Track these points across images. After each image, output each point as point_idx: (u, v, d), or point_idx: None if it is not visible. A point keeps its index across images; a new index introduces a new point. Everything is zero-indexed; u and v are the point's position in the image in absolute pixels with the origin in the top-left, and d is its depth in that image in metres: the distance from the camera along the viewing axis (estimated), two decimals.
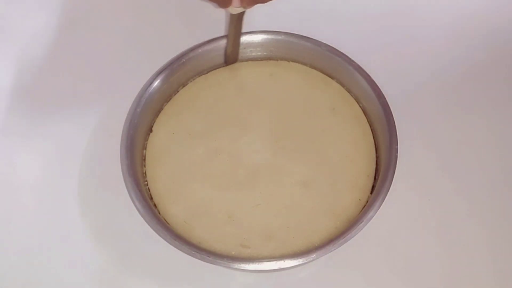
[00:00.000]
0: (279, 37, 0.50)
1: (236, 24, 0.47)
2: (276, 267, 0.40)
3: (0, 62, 0.55)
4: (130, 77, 0.51)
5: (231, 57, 0.50)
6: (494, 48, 0.55)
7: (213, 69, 0.52)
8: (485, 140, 0.50)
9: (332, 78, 0.51)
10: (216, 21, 0.56)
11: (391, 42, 0.55)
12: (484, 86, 0.53)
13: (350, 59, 0.49)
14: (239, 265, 0.41)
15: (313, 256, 0.41)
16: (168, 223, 0.44)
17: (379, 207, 0.42)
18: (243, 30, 0.49)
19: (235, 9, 0.44)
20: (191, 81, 0.51)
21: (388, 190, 0.43)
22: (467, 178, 0.48)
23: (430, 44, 0.55)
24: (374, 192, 0.44)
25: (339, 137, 0.48)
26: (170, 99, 0.50)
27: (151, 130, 0.49)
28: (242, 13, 0.46)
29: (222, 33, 0.51)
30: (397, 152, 0.44)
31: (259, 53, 0.52)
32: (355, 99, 0.50)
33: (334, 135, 0.48)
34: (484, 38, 0.56)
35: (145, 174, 0.47)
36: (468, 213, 0.47)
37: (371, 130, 0.48)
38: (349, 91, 0.50)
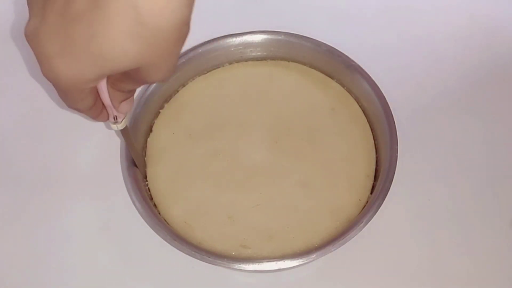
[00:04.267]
0: (279, 37, 0.50)
1: (124, 136, 0.43)
2: (276, 268, 0.40)
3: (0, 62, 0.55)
4: None
5: (138, 163, 0.46)
6: (495, 49, 0.55)
7: (213, 69, 0.52)
8: (485, 141, 0.50)
9: (332, 78, 0.51)
10: (216, 21, 0.56)
11: (391, 42, 0.55)
12: (484, 86, 0.53)
13: (350, 59, 0.49)
14: (239, 265, 0.41)
15: (313, 256, 0.41)
16: (168, 224, 0.44)
17: (379, 207, 0.42)
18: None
19: (113, 126, 0.40)
20: (191, 81, 0.51)
21: (388, 191, 0.43)
22: (467, 179, 0.48)
23: (430, 44, 0.55)
24: (374, 192, 0.44)
25: (339, 137, 0.48)
26: (170, 99, 0.50)
27: (151, 130, 0.49)
28: (125, 128, 0.41)
29: (222, 33, 0.51)
30: (397, 152, 0.44)
31: (259, 53, 0.51)
32: (355, 99, 0.50)
33: (334, 135, 0.48)
34: (484, 39, 0.56)
35: (145, 174, 0.47)
36: (468, 213, 0.47)
37: (371, 130, 0.48)
38: (349, 91, 0.50)
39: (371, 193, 0.45)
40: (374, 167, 0.47)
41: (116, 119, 0.39)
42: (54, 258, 0.46)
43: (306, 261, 0.41)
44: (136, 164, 0.45)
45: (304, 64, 0.51)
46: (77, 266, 0.46)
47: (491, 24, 0.56)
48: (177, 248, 0.41)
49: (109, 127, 0.50)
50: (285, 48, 0.51)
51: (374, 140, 0.48)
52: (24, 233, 0.47)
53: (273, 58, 0.52)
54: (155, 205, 0.46)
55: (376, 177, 0.46)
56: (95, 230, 0.47)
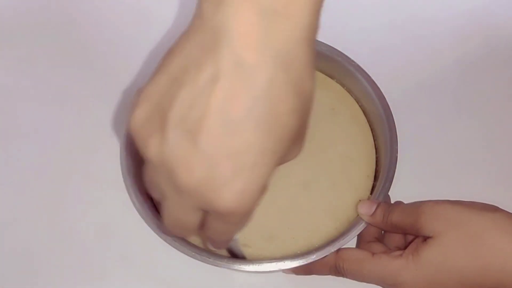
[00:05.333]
0: None
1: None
2: (276, 268, 0.40)
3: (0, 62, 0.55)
4: (130, 77, 0.51)
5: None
6: (495, 48, 0.55)
7: None
8: (485, 140, 0.50)
9: (332, 78, 0.50)
10: None
11: (391, 42, 0.55)
12: (484, 86, 0.53)
13: (350, 59, 0.49)
14: (240, 266, 0.41)
15: (313, 257, 0.41)
16: None
17: None
18: None
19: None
20: None
21: (388, 191, 0.43)
22: (467, 179, 0.48)
23: (430, 44, 0.55)
24: (374, 192, 0.44)
25: (339, 137, 0.48)
26: None
27: None
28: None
29: None
30: (397, 152, 0.44)
31: None
32: (355, 99, 0.50)
33: (334, 135, 0.48)
34: (484, 38, 0.56)
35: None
36: None
37: (371, 130, 0.48)
38: (349, 91, 0.50)
39: (371, 193, 0.45)
40: (374, 167, 0.47)
41: None
42: (54, 258, 0.46)
43: (306, 262, 0.41)
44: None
45: None
46: (77, 266, 0.46)
47: (492, 24, 0.56)
48: (178, 249, 0.41)
49: (110, 127, 0.50)
50: None
51: (374, 140, 0.48)
52: (23, 233, 0.47)
53: None
54: (155, 205, 0.45)
55: (376, 177, 0.46)
56: (95, 230, 0.47)
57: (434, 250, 0.37)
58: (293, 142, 0.28)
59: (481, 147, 0.50)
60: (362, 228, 0.42)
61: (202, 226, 0.31)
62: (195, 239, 0.43)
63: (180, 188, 0.27)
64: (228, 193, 0.27)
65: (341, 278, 0.43)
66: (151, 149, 0.28)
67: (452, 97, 0.52)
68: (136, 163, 0.46)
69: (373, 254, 0.40)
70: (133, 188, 0.44)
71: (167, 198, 0.30)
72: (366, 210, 0.42)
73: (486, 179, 0.48)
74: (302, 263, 0.41)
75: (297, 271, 0.42)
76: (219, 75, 0.26)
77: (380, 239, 0.43)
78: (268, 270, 0.41)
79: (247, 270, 0.41)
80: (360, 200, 0.44)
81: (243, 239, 0.43)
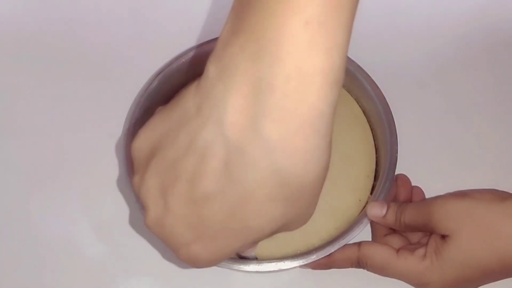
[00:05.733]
0: None
1: None
2: (276, 268, 0.40)
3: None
4: (130, 77, 0.51)
5: None
6: (495, 48, 0.55)
7: None
8: (485, 140, 0.50)
9: None
10: (216, 21, 0.56)
11: (391, 42, 0.55)
12: (484, 86, 0.53)
13: (350, 59, 0.49)
14: (239, 266, 0.41)
15: (313, 257, 0.41)
16: None
17: None
18: None
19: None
20: (191, 81, 0.51)
21: (388, 191, 0.43)
22: (467, 178, 0.48)
23: (431, 44, 0.55)
24: (374, 192, 0.44)
25: (339, 137, 0.48)
26: (170, 99, 0.50)
27: None
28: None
29: None
30: (397, 152, 0.44)
31: None
32: (355, 99, 0.50)
33: (334, 135, 0.47)
34: (485, 38, 0.56)
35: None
36: None
37: (371, 130, 0.48)
38: (349, 91, 0.50)
39: (371, 193, 0.45)
40: (374, 167, 0.47)
41: None
42: (53, 258, 0.46)
43: (306, 262, 0.41)
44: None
45: None
46: (77, 266, 0.46)
47: (492, 23, 0.56)
48: None
49: (109, 128, 0.50)
50: None
51: (374, 140, 0.48)
52: (23, 233, 0.47)
53: None
54: None
55: (376, 177, 0.46)
56: (94, 230, 0.47)
57: (454, 250, 0.38)
58: (280, 225, 0.27)
59: (481, 147, 0.50)
60: (363, 228, 0.42)
61: None
62: None
63: (144, 224, 0.29)
64: (183, 253, 0.28)
65: (344, 277, 0.43)
66: (135, 181, 0.30)
67: (452, 97, 0.52)
68: None
69: (397, 251, 0.40)
70: (133, 188, 0.44)
71: None
72: (377, 212, 0.41)
73: (487, 179, 0.48)
74: (302, 263, 0.41)
75: (316, 266, 0.42)
76: (200, 143, 0.25)
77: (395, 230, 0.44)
78: (268, 270, 0.41)
79: (247, 270, 0.41)
80: (368, 202, 0.44)
81: None
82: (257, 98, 0.24)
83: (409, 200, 0.46)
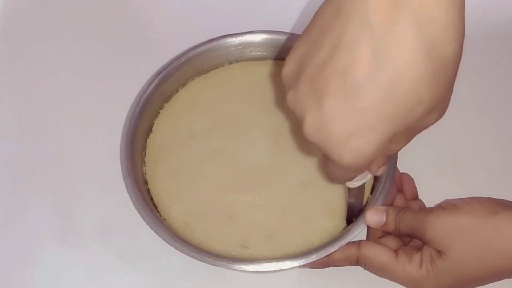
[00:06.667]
0: (279, 37, 0.50)
1: (352, 191, 0.42)
2: (276, 268, 0.40)
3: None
4: (130, 77, 0.51)
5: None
6: (495, 48, 0.55)
7: (213, 69, 0.51)
8: (485, 140, 0.50)
9: None
10: (216, 21, 0.56)
11: None
12: (484, 85, 0.53)
13: None
14: (239, 266, 0.41)
15: (313, 257, 0.41)
16: (168, 224, 0.44)
17: None
18: None
19: (353, 183, 0.39)
20: (190, 81, 0.51)
21: (388, 191, 0.43)
22: (468, 178, 0.48)
23: None
24: (374, 192, 0.44)
25: None
26: (170, 99, 0.50)
27: (151, 130, 0.49)
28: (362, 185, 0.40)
29: (222, 33, 0.51)
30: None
31: (259, 53, 0.51)
32: None
33: None
34: (485, 38, 0.56)
35: (145, 174, 0.47)
36: None
37: None
38: None
39: (371, 193, 0.45)
40: None
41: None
42: (53, 258, 0.46)
43: (306, 262, 0.41)
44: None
45: None
46: (77, 266, 0.46)
47: (492, 23, 0.56)
48: (177, 249, 0.41)
49: (109, 128, 0.50)
50: (285, 48, 0.51)
51: None
52: (23, 233, 0.47)
53: (273, 58, 0.52)
54: (155, 205, 0.46)
55: (376, 177, 0.46)
56: (94, 230, 0.47)
57: (448, 264, 0.38)
58: (424, 111, 0.28)
59: (481, 146, 0.50)
60: (363, 228, 0.42)
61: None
62: (194, 239, 0.43)
63: (305, 134, 0.30)
64: (343, 150, 0.29)
65: (344, 277, 0.43)
66: (288, 99, 0.31)
67: (452, 96, 0.52)
68: (136, 163, 0.46)
69: (396, 254, 0.41)
70: (133, 188, 0.44)
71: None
72: (377, 219, 0.42)
73: (487, 179, 0.48)
74: (302, 263, 0.41)
75: (314, 265, 0.42)
76: (347, 39, 0.27)
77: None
78: (268, 270, 0.41)
79: (247, 270, 0.41)
80: (368, 202, 0.44)
81: (243, 241, 0.43)
82: None
83: (414, 198, 0.46)
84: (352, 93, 0.27)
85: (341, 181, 0.38)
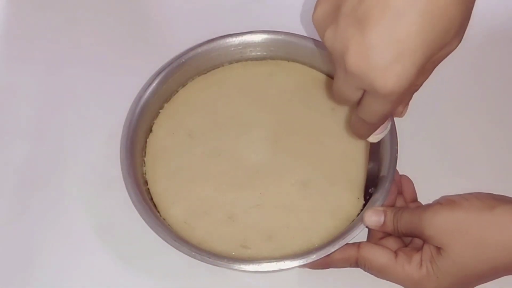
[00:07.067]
0: (279, 37, 0.50)
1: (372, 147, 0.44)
2: (276, 268, 0.40)
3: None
4: (130, 77, 0.51)
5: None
6: (495, 48, 0.55)
7: (213, 69, 0.51)
8: (485, 139, 0.50)
9: (332, 78, 0.51)
10: (216, 21, 0.56)
11: None
12: (484, 85, 0.53)
13: None
14: (239, 266, 0.41)
15: (313, 256, 0.41)
16: (168, 224, 0.44)
17: None
18: None
19: (375, 136, 0.40)
20: (190, 81, 0.51)
21: (388, 191, 0.43)
22: (467, 178, 0.48)
23: None
24: (374, 192, 0.44)
25: (339, 137, 0.48)
26: (170, 99, 0.50)
27: (151, 130, 0.49)
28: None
29: (222, 33, 0.51)
30: (397, 152, 0.44)
31: (259, 53, 0.51)
32: None
33: (334, 135, 0.48)
34: (485, 37, 0.56)
35: (145, 174, 0.47)
36: None
37: None
38: None
39: (371, 193, 0.45)
40: None
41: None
42: (53, 258, 0.46)
43: (306, 262, 0.41)
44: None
45: (304, 64, 0.51)
46: (77, 266, 0.46)
47: (492, 23, 0.56)
48: (177, 249, 0.41)
49: (110, 127, 0.50)
50: (285, 48, 0.51)
51: None
52: (23, 233, 0.47)
53: (273, 58, 0.52)
54: (155, 205, 0.46)
55: (376, 177, 0.46)
56: (95, 230, 0.47)
57: (448, 262, 0.38)
58: (454, 33, 0.31)
59: (481, 146, 0.50)
60: (363, 228, 0.42)
61: (358, 103, 0.36)
62: (194, 239, 0.43)
63: (348, 69, 0.31)
64: (388, 75, 0.31)
65: (344, 278, 0.43)
66: (327, 38, 0.32)
67: (452, 96, 0.52)
68: (136, 163, 0.46)
69: (395, 255, 0.40)
70: (133, 188, 0.44)
71: (337, 75, 0.34)
72: (376, 220, 0.42)
73: (487, 178, 0.48)
74: (302, 263, 0.41)
75: (314, 266, 0.42)
76: None
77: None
78: (268, 270, 0.41)
79: (247, 270, 0.41)
80: (364, 210, 0.44)
81: (243, 241, 0.43)
82: None
83: (414, 200, 0.46)
84: (394, 19, 0.29)
85: (370, 129, 0.39)
